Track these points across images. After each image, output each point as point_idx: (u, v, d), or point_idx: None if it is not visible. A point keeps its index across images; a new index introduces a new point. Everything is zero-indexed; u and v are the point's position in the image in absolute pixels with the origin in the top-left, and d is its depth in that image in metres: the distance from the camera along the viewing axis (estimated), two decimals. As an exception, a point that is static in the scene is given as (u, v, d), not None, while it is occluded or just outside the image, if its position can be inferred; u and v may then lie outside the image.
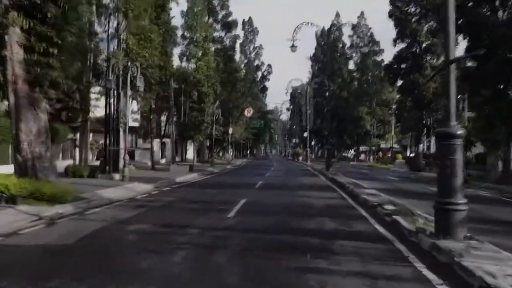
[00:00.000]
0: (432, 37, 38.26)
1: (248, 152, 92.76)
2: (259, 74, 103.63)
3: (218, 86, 43.28)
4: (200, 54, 41.81)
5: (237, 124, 50.76)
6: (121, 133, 26.17)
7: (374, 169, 43.23)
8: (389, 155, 77.05)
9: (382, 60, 68.36)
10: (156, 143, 42.22)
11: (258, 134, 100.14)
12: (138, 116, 39.42)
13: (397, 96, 70.77)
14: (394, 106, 60.06)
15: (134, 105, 31.74)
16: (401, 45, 39.98)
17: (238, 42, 53.89)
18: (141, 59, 21.81)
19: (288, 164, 55.29)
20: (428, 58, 38.82)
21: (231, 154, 69.30)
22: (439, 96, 37.30)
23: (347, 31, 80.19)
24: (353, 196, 14.59)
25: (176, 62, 44.01)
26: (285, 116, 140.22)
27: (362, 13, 75.46)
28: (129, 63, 19.70)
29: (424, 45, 38.84)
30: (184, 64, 43.01)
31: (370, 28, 75.49)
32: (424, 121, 38.87)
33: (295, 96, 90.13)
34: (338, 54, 79.69)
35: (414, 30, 37.99)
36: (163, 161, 42.46)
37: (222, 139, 50.66)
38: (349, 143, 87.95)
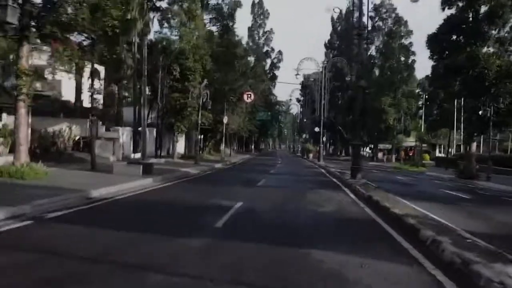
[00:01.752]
0: (495, -2, 27.60)
1: (253, 146, 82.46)
2: (269, 61, 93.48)
3: (208, 61, 33.06)
4: (185, 17, 31.62)
5: (234, 112, 40.50)
6: (22, 111, 16.21)
7: (409, 175, 32.81)
8: (411, 154, 66.52)
9: (411, 43, 57.61)
10: (126, 132, 32.23)
11: (265, 127, 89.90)
12: (99, 96, 29.43)
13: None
14: (425, 96, 49.42)
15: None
16: (451, 11, 29.32)
17: (240, 12, 43.24)
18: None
19: (296, 162, 44.91)
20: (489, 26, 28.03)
21: (228, 148, 59.11)
22: (507, 76, 26.72)
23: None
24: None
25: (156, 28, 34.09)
26: (295, 108, 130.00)
27: (387, -10, 64.68)
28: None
29: (483, 9, 28.15)
30: (166, 31, 32.94)
31: (395, 8, 64.99)
32: (480, 112, 28.26)
33: (307, 86, 79.56)
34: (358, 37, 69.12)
35: (473, -13, 27.33)
36: (137, 155, 32.29)
37: (215, 129, 40.51)
38: (366, 139, 77.37)
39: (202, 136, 43.41)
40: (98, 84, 27.28)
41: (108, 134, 31.69)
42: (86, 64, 19.28)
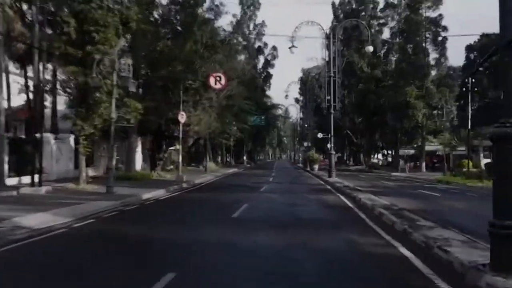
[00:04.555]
0: None
1: (245, 157, 67.49)
2: (261, 58, 78.75)
3: (134, 11, 18.40)
4: None
5: (198, 106, 25.55)
6: None
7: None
8: (435, 160, 51.60)
9: (441, 16, 42.83)
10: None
11: (260, 134, 74.99)
12: None
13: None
14: (470, 80, 34.43)
15: None
16: None
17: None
18: None
19: (296, 180, 29.47)
20: None
21: (210, 161, 44.18)
22: None
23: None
24: None
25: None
26: (293, 111, 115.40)
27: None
28: None
29: None
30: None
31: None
32: None
33: (307, 81, 64.67)
34: (369, 18, 54.38)
35: None
36: (24, 179, 17.70)
37: (168, 132, 25.67)
38: (381, 144, 62.45)
39: (154, 143, 28.67)
40: None
41: None
42: None
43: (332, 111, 26.90)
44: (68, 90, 18.53)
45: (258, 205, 13.60)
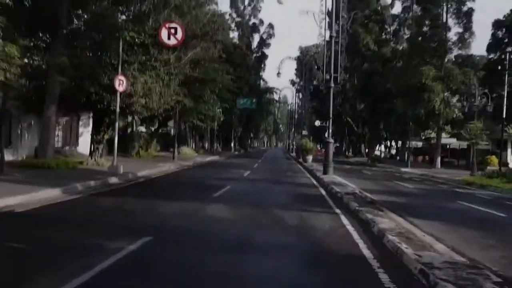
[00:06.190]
0: None
1: (233, 144, 60.18)
2: (256, 37, 70.89)
3: None
4: None
5: (146, 71, 18.02)
6: None
7: None
8: (443, 155, 44.44)
9: (466, -19, 35.08)
10: None
11: (252, 119, 67.71)
12: None
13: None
14: (508, 56, 26.95)
15: None
16: None
17: None
18: None
19: (281, 179, 21.44)
20: None
21: (185, 147, 37.20)
22: None
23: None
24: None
25: None
26: (288, 94, 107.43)
27: None
28: None
29: None
30: None
31: None
32: None
33: (303, 60, 56.94)
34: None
35: None
36: None
37: (103, 107, 18.18)
38: (385, 134, 55.11)
39: (92, 122, 21.37)
40: None
41: None
42: None
43: (332, 85, 19.42)
44: None
45: (157, 256, 6.10)
